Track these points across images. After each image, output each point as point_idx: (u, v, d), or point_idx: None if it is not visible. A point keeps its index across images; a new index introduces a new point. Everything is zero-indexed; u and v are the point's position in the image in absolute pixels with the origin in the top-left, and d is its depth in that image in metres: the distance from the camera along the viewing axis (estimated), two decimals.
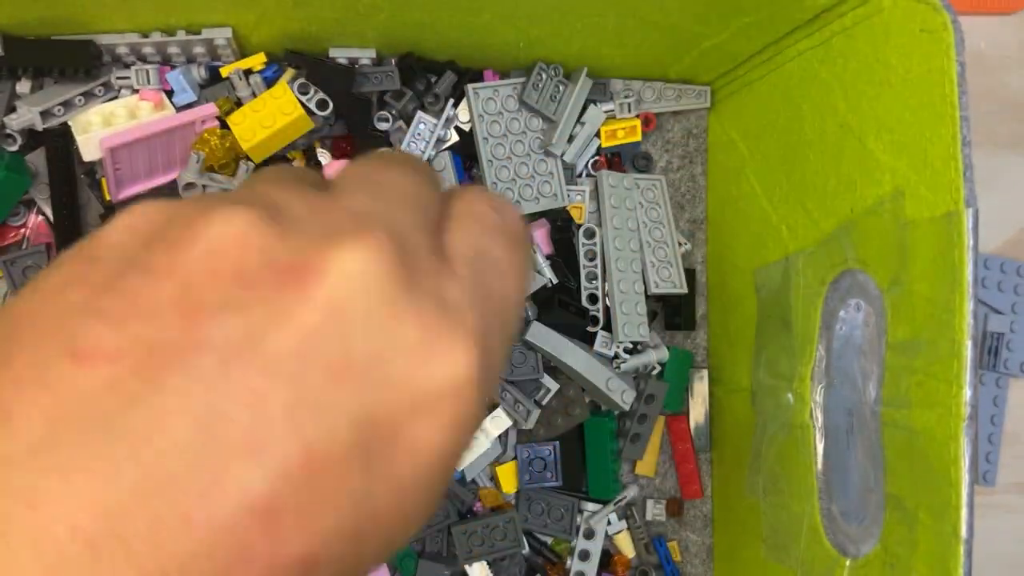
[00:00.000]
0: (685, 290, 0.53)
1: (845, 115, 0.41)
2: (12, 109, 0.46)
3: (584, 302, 0.51)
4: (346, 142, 0.50)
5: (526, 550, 0.51)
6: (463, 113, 0.51)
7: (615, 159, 0.54)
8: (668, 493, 0.54)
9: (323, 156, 0.50)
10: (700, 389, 0.54)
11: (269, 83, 0.48)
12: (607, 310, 0.51)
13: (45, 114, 0.45)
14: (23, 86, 0.46)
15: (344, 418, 0.15)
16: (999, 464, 0.58)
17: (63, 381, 0.14)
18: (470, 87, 0.50)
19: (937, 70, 0.34)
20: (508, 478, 0.50)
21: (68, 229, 0.46)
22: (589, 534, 0.51)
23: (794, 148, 0.46)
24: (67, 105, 0.46)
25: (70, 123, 0.46)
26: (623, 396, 0.50)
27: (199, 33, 0.46)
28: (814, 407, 0.43)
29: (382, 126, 0.50)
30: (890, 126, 0.37)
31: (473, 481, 0.51)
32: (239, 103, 0.48)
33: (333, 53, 0.48)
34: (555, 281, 0.51)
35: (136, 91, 0.47)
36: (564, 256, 0.52)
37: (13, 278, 0.46)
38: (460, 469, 0.49)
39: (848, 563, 0.39)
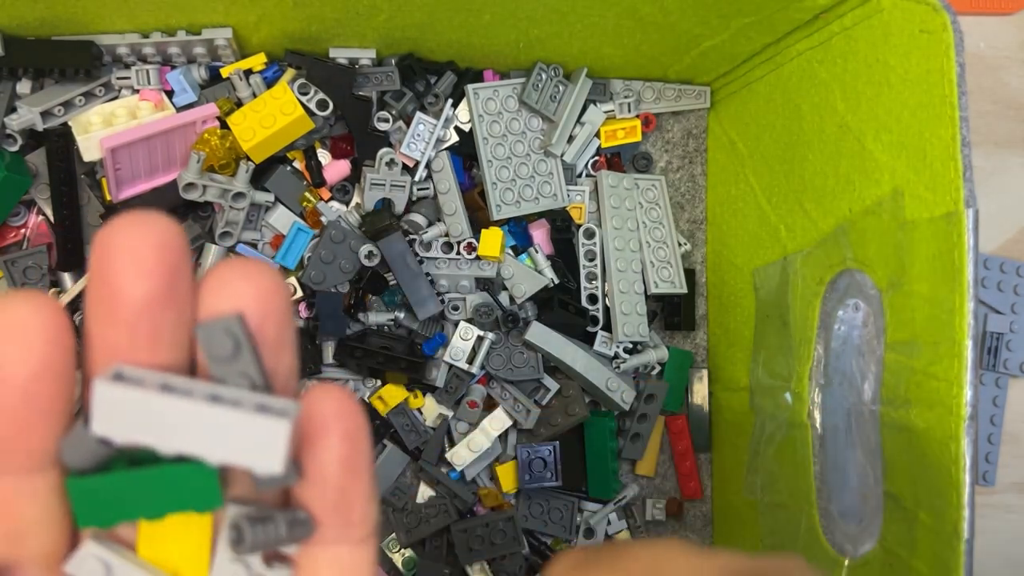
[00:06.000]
0: (685, 290, 0.53)
1: (844, 115, 0.41)
2: (12, 109, 0.46)
3: (584, 302, 0.51)
4: (346, 142, 0.50)
5: (526, 550, 0.51)
6: (463, 113, 0.51)
7: (615, 159, 0.54)
8: (668, 493, 0.54)
9: (323, 156, 0.50)
10: (700, 389, 0.54)
11: (269, 83, 0.48)
12: (607, 310, 0.51)
13: (45, 114, 0.45)
14: (23, 86, 0.46)
15: None
16: (998, 464, 0.58)
17: None
18: (470, 87, 0.50)
19: (936, 70, 0.34)
20: (508, 478, 0.50)
21: (68, 229, 0.46)
22: (589, 534, 0.51)
23: (793, 148, 0.46)
24: (67, 105, 0.46)
25: (70, 123, 0.46)
26: (623, 396, 0.50)
27: (199, 33, 0.46)
28: (812, 407, 0.43)
29: (382, 126, 0.50)
30: (889, 126, 0.37)
31: (473, 481, 0.51)
32: (239, 103, 0.48)
33: (333, 53, 0.48)
34: (555, 281, 0.51)
35: (136, 91, 0.47)
36: (564, 256, 0.52)
37: (13, 278, 0.46)
38: (460, 468, 0.49)
39: (847, 563, 0.39)
